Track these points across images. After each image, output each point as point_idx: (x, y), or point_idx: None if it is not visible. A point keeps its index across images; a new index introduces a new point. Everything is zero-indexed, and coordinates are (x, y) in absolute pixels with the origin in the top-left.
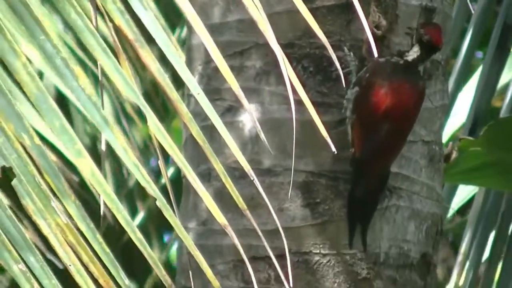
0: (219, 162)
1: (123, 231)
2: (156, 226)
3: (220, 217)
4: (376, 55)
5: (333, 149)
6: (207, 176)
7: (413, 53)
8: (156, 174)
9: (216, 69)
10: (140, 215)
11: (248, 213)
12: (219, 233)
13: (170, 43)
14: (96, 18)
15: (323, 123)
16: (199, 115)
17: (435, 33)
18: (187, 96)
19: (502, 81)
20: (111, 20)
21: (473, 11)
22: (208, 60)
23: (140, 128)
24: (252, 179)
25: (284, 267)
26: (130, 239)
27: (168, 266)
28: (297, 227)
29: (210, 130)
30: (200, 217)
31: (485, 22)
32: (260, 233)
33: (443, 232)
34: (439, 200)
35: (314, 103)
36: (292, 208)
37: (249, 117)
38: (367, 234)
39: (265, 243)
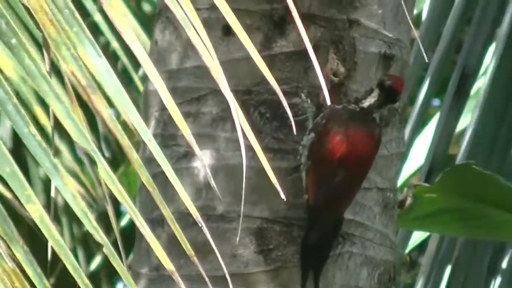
0: (173, 208)
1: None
2: (110, 272)
3: (168, 264)
4: (330, 102)
5: (283, 196)
6: (161, 221)
7: (371, 99)
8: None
9: None
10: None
11: (195, 259)
12: (171, 279)
13: (123, 90)
14: (50, 64)
15: (280, 169)
16: (154, 161)
17: (397, 81)
18: (143, 141)
19: (459, 127)
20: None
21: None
22: (164, 106)
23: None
24: (200, 225)
25: None
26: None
27: None
28: (250, 273)
29: (165, 176)
30: (152, 263)
31: (443, 70)
32: (207, 280)
33: (395, 281)
34: (393, 247)
35: (270, 150)
36: (246, 254)
37: (205, 162)
38: (319, 281)
39: None
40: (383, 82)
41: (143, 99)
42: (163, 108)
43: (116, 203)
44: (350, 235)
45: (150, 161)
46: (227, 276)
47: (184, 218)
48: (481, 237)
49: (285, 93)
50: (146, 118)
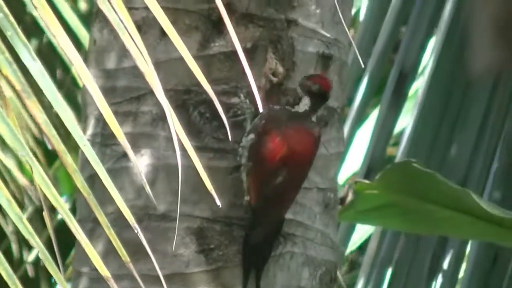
0: (113, 207)
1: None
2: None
3: (104, 270)
4: (268, 103)
5: (218, 203)
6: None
7: (304, 106)
8: None
9: (113, 114)
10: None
11: (130, 265)
12: (114, 278)
13: (58, 94)
14: None
15: (220, 169)
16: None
17: (322, 81)
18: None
19: (398, 128)
20: None
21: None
22: None
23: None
24: (136, 231)
25: None
26: None
27: None
28: (191, 273)
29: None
30: (92, 262)
31: (380, 70)
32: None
33: (336, 281)
34: (334, 247)
35: (210, 149)
36: (187, 254)
37: (143, 162)
38: (260, 280)
39: None
40: (310, 89)
41: (81, 98)
42: None
43: None
44: (291, 235)
45: (88, 161)
46: (161, 276)
47: (123, 218)
48: (422, 232)
49: (224, 93)
50: (85, 117)
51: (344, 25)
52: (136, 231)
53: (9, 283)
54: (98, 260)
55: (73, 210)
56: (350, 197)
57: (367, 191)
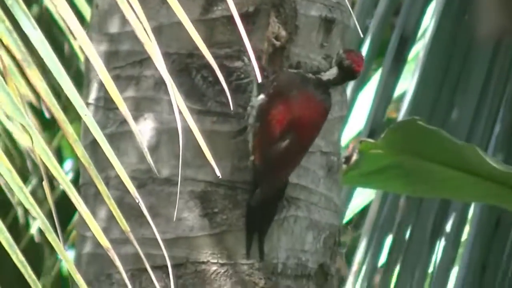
0: (117, 174)
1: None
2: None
3: (104, 241)
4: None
5: (218, 173)
6: (107, 185)
7: (330, 75)
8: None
9: (115, 78)
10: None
11: (130, 235)
12: (117, 242)
13: (59, 63)
14: None
15: (223, 132)
16: (98, 123)
17: (357, 60)
18: (85, 105)
19: (398, 91)
20: None
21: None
22: (107, 69)
23: None
24: (137, 201)
25: (181, 277)
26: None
27: (60, 278)
28: (195, 237)
29: (108, 140)
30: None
31: (382, 33)
32: (161, 243)
33: (340, 245)
34: (337, 211)
35: (213, 113)
36: (191, 218)
37: (146, 126)
38: (264, 244)
39: (165, 252)
40: (342, 61)
41: (84, 63)
42: None
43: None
44: (295, 199)
45: None
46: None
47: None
48: (424, 195)
49: (227, 57)
50: (88, 82)
51: None
52: (137, 201)
53: (10, 252)
54: (98, 230)
55: (78, 173)
56: (355, 156)
57: (371, 151)
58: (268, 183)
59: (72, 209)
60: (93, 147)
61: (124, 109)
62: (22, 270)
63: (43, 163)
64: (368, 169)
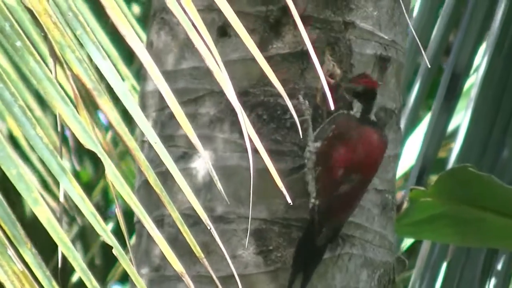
0: (164, 212)
1: None
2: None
3: (178, 266)
4: (332, 103)
5: (289, 200)
6: (160, 222)
7: (357, 110)
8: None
9: (170, 116)
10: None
11: (205, 261)
12: (172, 279)
13: (129, 93)
14: (55, 67)
15: (277, 171)
16: (153, 161)
17: (365, 80)
18: (140, 142)
19: (449, 128)
20: (70, 69)
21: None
22: (162, 107)
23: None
24: (209, 228)
25: None
26: None
27: None
28: (250, 274)
29: (163, 177)
30: (152, 263)
31: (432, 72)
32: (216, 280)
33: (394, 283)
34: (392, 248)
35: (268, 151)
36: (245, 255)
37: (203, 163)
38: (307, 284)
39: None
40: (356, 91)
41: (139, 100)
42: (160, 109)
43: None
44: (350, 237)
45: (150, 161)
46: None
47: (183, 219)
48: (473, 245)
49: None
50: None
51: (409, 22)
52: (209, 228)
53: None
54: (172, 256)
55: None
56: (405, 205)
57: (422, 199)
58: (330, 225)
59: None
60: (148, 184)
61: (191, 133)
62: None
63: (116, 190)
64: (416, 218)
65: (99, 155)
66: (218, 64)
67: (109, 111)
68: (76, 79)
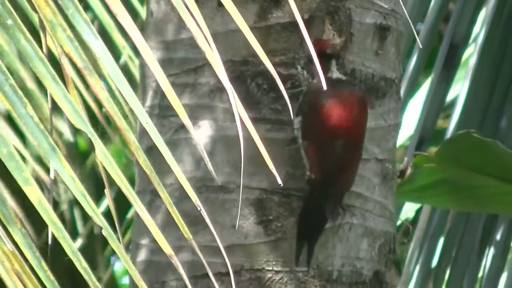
0: (171, 179)
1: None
2: (103, 244)
3: (167, 248)
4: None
5: (279, 181)
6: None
7: (332, 71)
8: None
9: (170, 85)
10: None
11: (193, 242)
12: (174, 250)
13: (120, 71)
14: (46, 45)
15: (278, 140)
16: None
17: (318, 44)
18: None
19: (448, 97)
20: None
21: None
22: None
23: None
24: (199, 209)
25: (237, 284)
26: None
27: (113, 283)
28: (250, 244)
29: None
30: (152, 234)
31: (431, 41)
32: (223, 250)
33: (395, 252)
34: (392, 218)
35: (268, 120)
36: (245, 225)
37: (201, 134)
38: (312, 254)
39: (227, 259)
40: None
41: (139, 70)
42: None
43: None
44: (350, 206)
45: (146, 133)
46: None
47: (182, 190)
48: (474, 210)
49: (281, 64)
50: (143, 89)
51: None
52: (198, 209)
53: (74, 259)
54: (161, 237)
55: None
56: (409, 170)
57: (425, 165)
58: (332, 196)
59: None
60: (147, 154)
61: (183, 115)
62: (86, 277)
63: (105, 169)
64: (419, 184)
65: (89, 135)
66: (205, 36)
67: (99, 90)
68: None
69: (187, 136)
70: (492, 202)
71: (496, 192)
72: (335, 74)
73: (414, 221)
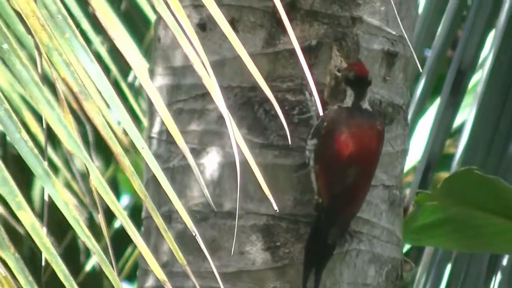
0: (172, 207)
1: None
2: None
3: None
4: (321, 101)
5: (275, 207)
6: (168, 218)
7: (349, 98)
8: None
9: (179, 111)
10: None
11: (187, 268)
12: (180, 276)
13: (115, 96)
14: (42, 70)
15: (285, 166)
16: (161, 157)
17: (358, 67)
18: (148, 138)
19: (455, 123)
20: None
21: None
22: (170, 102)
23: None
24: (194, 235)
25: None
26: None
27: None
28: (257, 270)
29: (171, 173)
30: (160, 260)
31: (438, 67)
32: (217, 275)
33: (402, 278)
34: (399, 244)
35: (276, 147)
36: (253, 251)
37: (209, 160)
38: (320, 280)
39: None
40: (347, 77)
41: (146, 97)
42: (168, 105)
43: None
44: (358, 233)
45: (158, 157)
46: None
47: (190, 214)
48: (478, 250)
49: (289, 90)
50: (150, 115)
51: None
52: (194, 234)
53: (66, 284)
54: (175, 248)
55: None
56: (411, 208)
57: (427, 203)
58: (340, 221)
59: (128, 241)
60: (156, 180)
61: (182, 144)
62: None
63: (100, 196)
64: (421, 223)
65: (83, 160)
66: (206, 69)
67: (95, 115)
68: (63, 83)
69: (195, 162)
70: (496, 240)
71: (500, 230)
72: (365, 104)
73: (421, 247)
